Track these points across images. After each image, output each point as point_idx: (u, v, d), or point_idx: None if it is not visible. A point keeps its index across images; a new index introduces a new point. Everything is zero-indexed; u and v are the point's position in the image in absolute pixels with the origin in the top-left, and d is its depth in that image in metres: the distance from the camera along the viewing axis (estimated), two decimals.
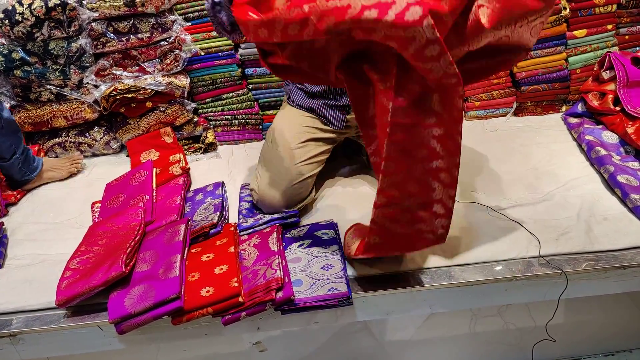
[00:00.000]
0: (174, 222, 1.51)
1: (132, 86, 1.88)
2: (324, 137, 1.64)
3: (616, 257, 1.38)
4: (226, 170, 1.92)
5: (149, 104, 1.95)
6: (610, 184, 1.62)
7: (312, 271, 1.36)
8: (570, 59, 2.04)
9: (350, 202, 1.67)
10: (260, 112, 2.11)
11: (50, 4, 1.75)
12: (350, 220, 1.58)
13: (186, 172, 1.83)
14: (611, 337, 1.72)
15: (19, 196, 1.84)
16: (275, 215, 1.54)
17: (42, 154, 2.00)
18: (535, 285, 1.38)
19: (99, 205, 1.73)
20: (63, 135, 2.02)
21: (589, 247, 1.40)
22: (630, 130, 1.74)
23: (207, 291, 1.28)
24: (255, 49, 1.78)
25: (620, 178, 1.59)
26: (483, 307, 1.54)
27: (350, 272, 1.38)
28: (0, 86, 1.91)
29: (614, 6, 1.99)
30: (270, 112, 2.11)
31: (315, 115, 1.65)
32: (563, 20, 1.99)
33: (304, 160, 1.57)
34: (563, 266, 1.36)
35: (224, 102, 2.09)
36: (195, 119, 2.06)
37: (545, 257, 1.39)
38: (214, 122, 2.12)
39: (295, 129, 1.61)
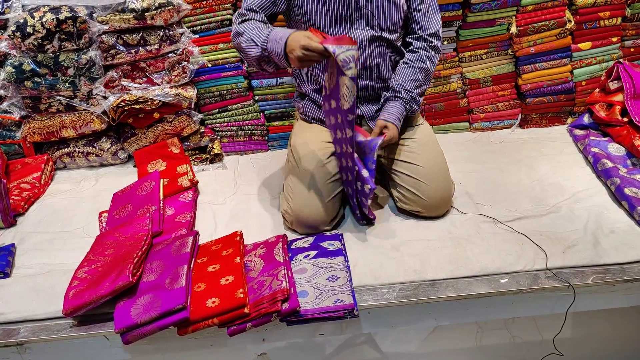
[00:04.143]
0: (181, 235, 1.52)
1: (140, 97, 1.90)
2: None
3: (624, 270, 1.38)
4: (232, 181, 1.93)
5: (156, 115, 1.97)
6: (617, 196, 1.61)
7: (317, 282, 1.36)
8: (575, 71, 2.05)
9: None
10: (266, 123, 2.13)
11: (61, 17, 1.78)
12: (355, 230, 1.58)
13: (195, 185, 1.84)
14: (619, 351, 1.70)
15: (26, 206, 1.85)
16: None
17: (50, 163, 2.03)
18: (542, 298, 1.37)
19: (106, 215, 1.74)
20: (71, 145, 2.04)
21: (596, 260, 1.40)
22: (637, 142, 1.74)
23: (213, 302, 1.28)
24: None
25: (627, 191, 1.58)
26: (489, 320, 1.53)
27: (356, 283, 1.38)
28: (10, 97, 1.93)
29: (619, 19, 2.00)
30: (276, 123, 2.13)
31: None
32: (568, 32, 2.00)
33: (333, 176, 1.58)
34: (570, 279, 1.35)
35: (230, 113, 2.11)
36: (201, 130, 2.07)
37: (552, 269, 1.38)
38: (220, 133, 2.14)
39: (317, 145, 1.62)
